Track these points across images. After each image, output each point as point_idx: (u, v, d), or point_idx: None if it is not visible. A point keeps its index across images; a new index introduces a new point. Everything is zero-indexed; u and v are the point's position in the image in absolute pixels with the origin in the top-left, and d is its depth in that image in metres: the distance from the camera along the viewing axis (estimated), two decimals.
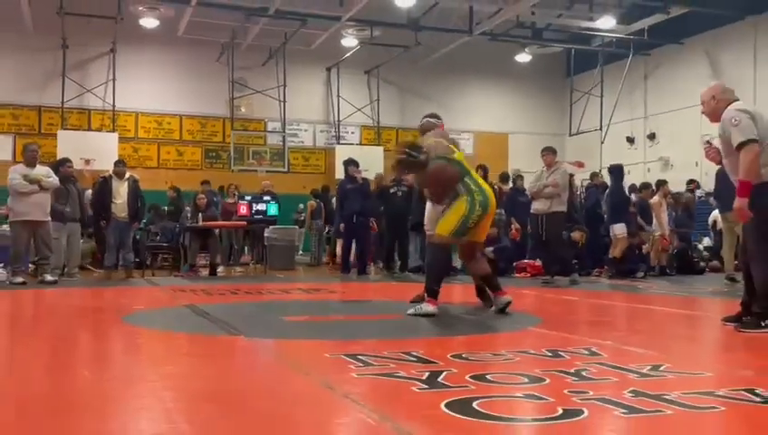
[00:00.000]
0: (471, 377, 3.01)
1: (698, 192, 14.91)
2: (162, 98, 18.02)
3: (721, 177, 7.99)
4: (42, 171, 9.41)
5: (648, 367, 3.28)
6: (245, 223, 12.66)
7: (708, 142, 5.11)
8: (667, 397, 2.66)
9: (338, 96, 19.30)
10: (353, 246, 11.68)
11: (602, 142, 19.04)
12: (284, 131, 18.50)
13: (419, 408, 2.61)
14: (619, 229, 10.85)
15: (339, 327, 5.38)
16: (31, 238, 9.35)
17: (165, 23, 16.84)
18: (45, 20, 16.19)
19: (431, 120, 6.13)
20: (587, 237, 11.45)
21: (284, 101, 18.23)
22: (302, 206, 16.43)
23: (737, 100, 4.83)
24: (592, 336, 4.61)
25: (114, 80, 17.16)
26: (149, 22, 16.74)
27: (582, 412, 2.46)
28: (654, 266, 11.67)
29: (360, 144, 19.58)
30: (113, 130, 17.23)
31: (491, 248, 11.19)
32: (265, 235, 12.83)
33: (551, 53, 20.19)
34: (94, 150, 15.56)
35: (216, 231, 11.84)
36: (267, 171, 17.81)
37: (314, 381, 3.16)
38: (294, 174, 18.65)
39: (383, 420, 2.39)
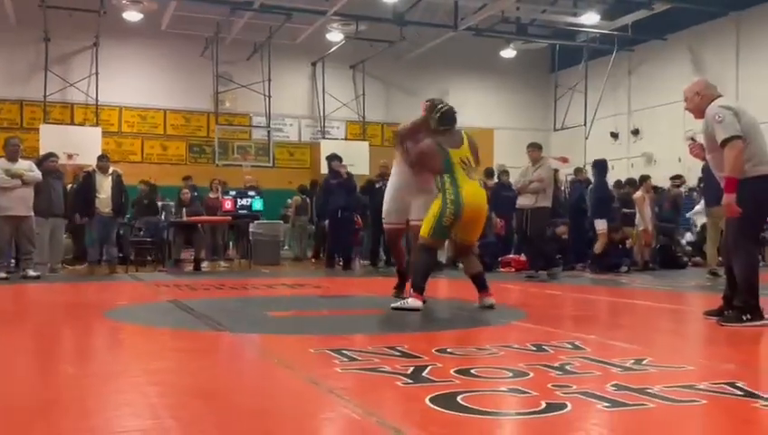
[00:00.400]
0: (455, 371, 3.02)
1: (682, 188, 15.02)
2: (146, 92, 17.89)
3: (707, 172, 8.06)
4: (24, 165, 9.32)
5: (631, 361, 3.31)
6: (230, 218, 12.61)
7: (692, 139, 5.14)
8: (649, 391, 2.69)
9: (323, 91, 19.24)
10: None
11: (586, 138, 19.14)
12: (269, 126, 18.43)
13: (404, 402, 2.61)
14: (599, 225, 10.90)
15: (323, 322, 5.38)
16: (13, 234, 9.27)
17: (148, 16, 16.71)
18: (27, 13, 16.02)
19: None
20: (570, 232, 11.52)
21: (269, 96, 18.16)
22: (290, 201, 16.41)
23: (720, 96, 4.87)
24: (576, 330, 4.64)
25: (97, 74, 17.01)
26: (132, 15, 16.60)
27: (566, 406, 2.48)
28: (637, 261, 11.76)
29: (346, 139, 19.54)
30: (96, 125, 17.09)
31: (476, 243, 11.24)
32: (250, 230, 12.79)
33: (535, 48, 20.24)
34: (77, 145, 15.41)
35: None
36: (252, 166, 17.74)
37: (299, 376, 3.15)
38: (279, 169, 18.59)
39: (367, 415, 2.40)
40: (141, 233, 12.37)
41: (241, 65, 18.25)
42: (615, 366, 3.19)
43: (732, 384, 2.81)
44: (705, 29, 17.07)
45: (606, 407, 2.48)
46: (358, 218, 12.62)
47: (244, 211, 12.67)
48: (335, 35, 18.02)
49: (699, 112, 4.82)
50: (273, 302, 6.83)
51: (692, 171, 15.52)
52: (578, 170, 13.59)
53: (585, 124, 19.20)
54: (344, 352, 3.52)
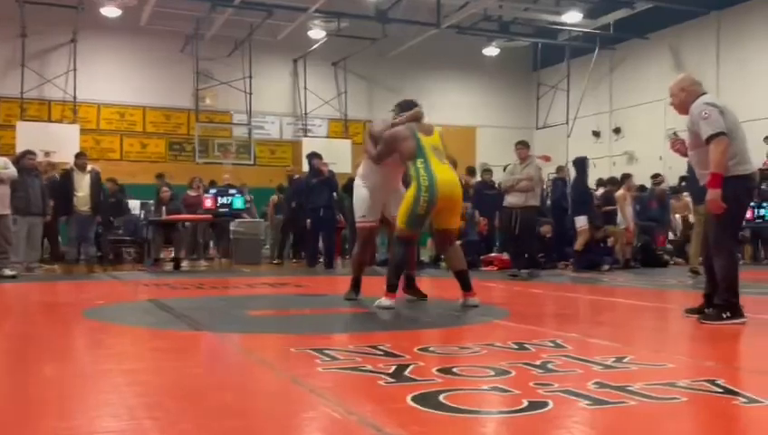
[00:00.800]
0: (437, 370, 3.01)
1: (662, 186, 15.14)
2: (125, 89, 17.73)
3: (693, 170, 8.11)
4: None
5: (612, 359, 3.31)
6: (210, 216, 12.53)
7: (675, 134, 5.16)
8: (630, 388, 2.69)
9: (305, 88, 19.19)
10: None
11: (569, 136, 19.24)
12: (250, 124, 18.35)
13: (385, 401, 2.59)
14: (579, 222, 10.95)
15: (305, 321, 5.35)
16: None
17: (127, 12, 16.55)
18: (3, 8, 15.84)
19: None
20: (553, 230, 11.57)
21: (250, 93, 18.08)
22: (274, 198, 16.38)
23: (705, 93, 4.89)
24: (558, 329, 4.65)
25: (75, 70, 16.84)
26: (111, 11, 16.44)
27: (547, 404, 2.47)
28: (618, 259, 11.82)
29: (328, 137, 19.51)
30: (74, 122, 16.92)
31: (459, 242, 11.25)
32: (231, 228, 12.71)
33: (518, 46, 20.32)
34: (55, 142, 15.24)
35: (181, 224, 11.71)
36: (233, 164, 17.65)
37: (280, 375, 3.13)
38: (261, 167, 18.51)
39: (349, 414, 2.38)
40: (120, 232, 12.26)
41: (221, 62, 18.15)
42: (596, 364, 3.19)
43: (712, 382, 2.82)
44: (687, 28, 17.22)
45: (587, 405, 2.48)
46: (340, 217, 12.60)
47: (225, 210, 12.59)
48: (317, 32, 17.97)
49: (684, 109, 4.83)
50: (253, 301, 6.80)
51: (673, 170, 15.66)
52: (560, 169, 13.66)
53: (567, 123, 19.31)
54: (326, 351, 3.50)
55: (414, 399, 2.52)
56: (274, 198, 15.55)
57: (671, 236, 14.59)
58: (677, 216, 14.33)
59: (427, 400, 2.51)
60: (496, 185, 10.58)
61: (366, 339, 4.00)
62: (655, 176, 14.84)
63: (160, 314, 5.45)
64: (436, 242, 5.99)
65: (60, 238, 12.33)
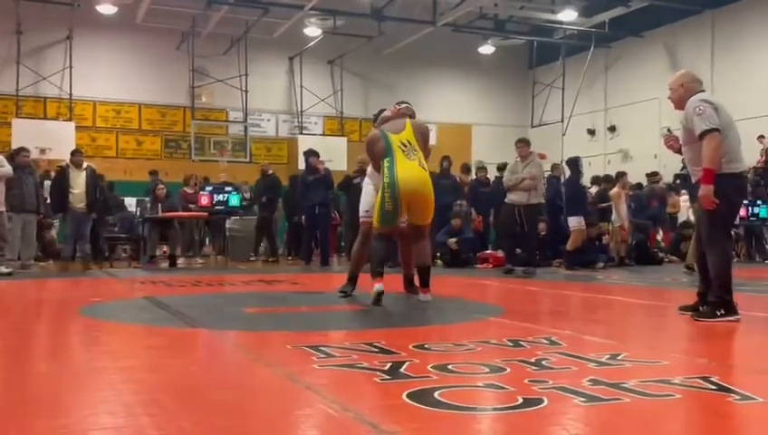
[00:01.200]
0: (433, 367, 3.02)
1: (645, 185, 15.18)
2: (121, 86, 17.70)
3: None
4: None
5: (607, 356, 3.33)
6: (206, 214, 12.51)
7: (668, 131, 5.19)
8: (624, 385, 2.70)
9: (301, 86, 19.17)
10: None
11: (564, 134, 19.26)
12: (246, 121, 18.32)
13: (381, 398, 2.61)
14: (573, 222, 10.98)
15: (301, 319, 5.36)
16: None
17: (123, 9, 16.53)
18: None
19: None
20: (548, 228, 11.60)
21: (246, 91, 18.05)
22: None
23: (704, 91, 4.91)
24: (553, 326, 4.66)
25: (71, 67, 16.81)
26: (107, 8, 16.41)
27: (542, 401, 2.48)
28: (613, 257, 11.86)
29: (324, 135, 19.50)
30: (70, 119, 16.88)
31: (454, 239, 11.28)
32: (227, 226, 12.70)
33: (513, 45, 20.34)
34: (50, 139, 15.22)
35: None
36: (229, 162, 17.64)
37: (276, 372, 3.14)
38: (256, 165, 18.47)
39: (345, 411, 2.39)
40: (116, 229, 12.24)
41: (217, 60, 18.12)
42: (591, 361, 3.21)
43: (706, 379, 2.84)
44: (681, 26, 17.26)
45: (582, 402, 2.49)
46: (336, 215, 12.61)
47: (221, 207, 12.58)
48: (313, 30, 17.96)
49: (680, 104, 4.85)
50: (249, 298, 6.79)
51: (668, 168, 15.71)
52: (554, 167, 13.69)
53: (562, 121, 19.33)
54: (322, 348, 3.51)
55: (409, 396, 2.53)
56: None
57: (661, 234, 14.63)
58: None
59: (423, 396, 2.52)
60: (503, 181, 10.57)
61: (362, 336, 4.01)
62: (653, 174, 14.88)
63: (156, 312, 5.45)
64: (410, 234, 6.11)
65: (55, 235, 12.34)
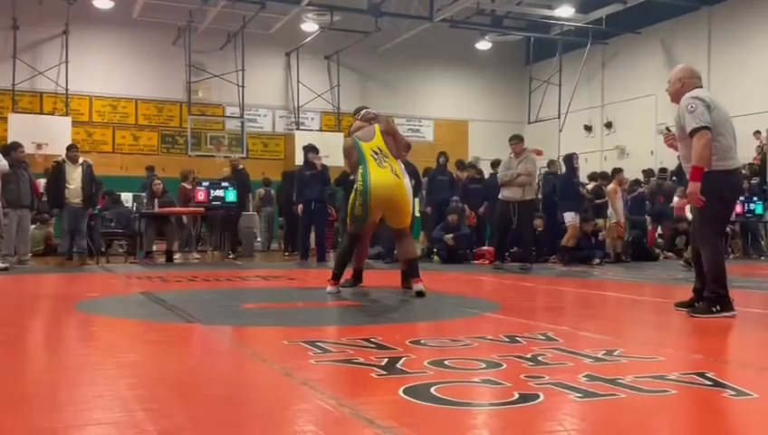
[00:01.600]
0: (429, 363, 3.03)
1: (652, 180, 15.19)
2: (117, 81, 17.66)
3: None
4: None
5: (603, 352, 3.34)
6: (203, 209, 12.49)
7: (667, 129, 5.19)
8: (620, 381, 2.71)
9: (297, 81, 19.15)
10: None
11: (560, 130, 19.27)
12: (243, 117, 18.30)
13: (378, 394, 2.61)
14: (568, 217, 11.02)
15: (297, 314, 5.36)
16: None
17: (119, 4, 16.50)
18: None
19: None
20: (544, 224, 11.62)
21: (243, 86, 18.02)
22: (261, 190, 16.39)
23: (701, 87, 4.90)
24: (549, 322, 4.67)
25: (67, 62, 16.76)
26: (103, 3, 16.38)
27: (538, 397, 2.49)
28: (609, 253, 11.88)
29: (320, 130, 19.48)
30: (66, 114, 16.84)
31: (450, 235, 11.28)
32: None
33: (510, 41, 20.33)
34: (47, 135, 15.20)
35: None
36: (225, 157, 17.61)
37: (272, 368, 3.14)
38: (253, 160, 18.47)
39: (341, 407, 2.39)
40: (112, 224, 12.22)
41: (214, 55, 18.10)
42: (587, 357, 3.22)
43: (701, 375, 2.85)
44: (678, 23, 17.27)
45: (578, 397, 2.50)
46: (332, 211, 12.59)
47: (218, 203, 12.56)
48: (310, 25, 17.93)
49: (677, 98, 4.85)
50: (246, 294, 6.80)
51: (664, 164, 15.73)
52: (551, 163, 13.71)
53: (559, 117, 19.34)
54: (318, 343, 3.51)
55: (406, 391, 2.54)
56: (261, 191, 15.61)
57: (660, 230, 14.63)
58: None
59: (419, 392, 2.52)
60: (497, 177, 10.61)
61: (358, 332, 4.01)
62: (662, 171, 14.91)
63: (153, 307, 5.45)
64: (393, 235, 6.54)
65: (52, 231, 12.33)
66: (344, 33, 18.10)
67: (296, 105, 19.35)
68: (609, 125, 19.31)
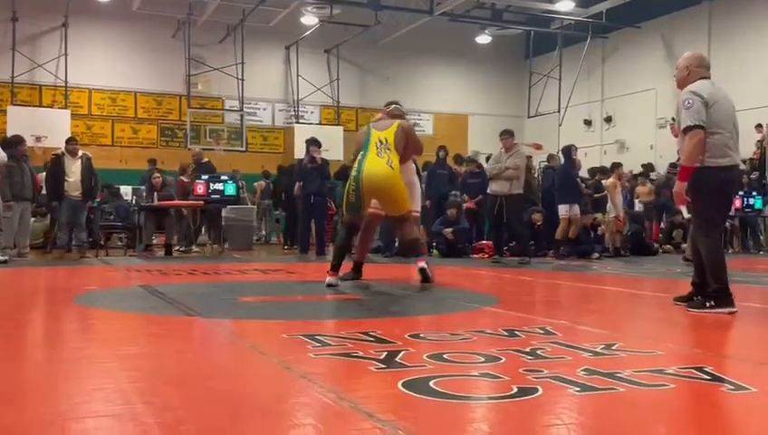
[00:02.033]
0: (428, 356, 3.03)
1: (653, 175, 15.20)
2: (116, 74, 17.63)
3: None
4: None
5: (601, 346, 3.34)
6: (202, 202, 12.48)
7: (673, 119, 5.17)
8: (619, 375, 2.72)
9: (297, 75, 19.12)
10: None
11: (560, 125, 19.25)
12: (242, 110, 18.27)
13: (376, 387, 2.61)
14: (562, 210, 11.02)
15: (296, 308, 5.36)
16: None
17: None
18: None
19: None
20: (544, 218, 11.62)
21: (242, 79, 18.00)
22: (255, 185, 16.42)
23: (707, 78, 4.84)
24: (548, 316, 4.68)
25: (66, 55, 16.73)
26: None
27: (537, 390, 2.49)
28: (608, 248, 11.89)
29: (320, 124, 19.46)
30: (65, 107, 16.83)
31: (450, 229, 11.28)
32: (223, 214, 12.66)
33: (510, 34, 20.28)
34: (46, 127, 15.18)
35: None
36: (225, 150, 17.60)
37: (271, 361, 3.14)
38: (252, 153, 18.47)
39: (340, 400, 2.39)
40: (112, 217, 12.21)
41: (214, 48, 18.06)
42: (585, 351, 3.22)
43: (700, 369, 2.85)
44: (679, 17, 17.24)
45: (576, 391, 2.50)
46: (332, 204, 12.59)
47: (217, 196, 12.55)
48: (309, 19, 17.89)
49: (683, 86, 4.81)
50: (245, 287, 6.80)
51: (663, 158, 15.74)
52: (551, 157, 13.70)
53: (559, 111, 19.32)
54: (317, 337, 3.51)
55: (405, 384, 2.54)
56: (261, 184, 15.60)
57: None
58: (638, 201, 14.38)
59: (418, 385, 2.53)
60: (486, 170, 10.64)
61: (357, 325, 4.01)
62: (673, 165, 14.90)
63: (152, 300, 5.45)
64: (393, 222, 6.75)
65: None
66: (344, 27, 18.06)
67: (296, 99, 19.32)
68: (608, 119, 19.29)
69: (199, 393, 2.56)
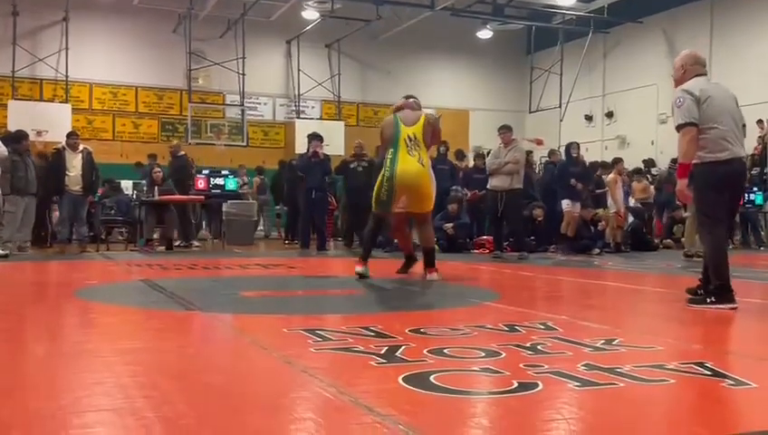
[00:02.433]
0: (429, 351, 3.03)
1: (654, 170, 15.17)
2: (117, 68, 17.60)
3: None
4: None
5: (602, 341, 3.34)
6: (203, 197, 12.49)
7: None
8: (619, 370, 2.72)
9: (298, 70, 19.08)
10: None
11: (561, 120, 19.22)
12: (243, 105, 18.25)
13: (377, 382, 2.61)
14: (563, 205, 11.04)
15: (297, 302, 5.37)
16: None
17: None
18: None
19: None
20: (545, 214, 11.62)
21: (243, 74, 17.95)
22: (256, 179, 16.40)
23: (703, 75, 4.84)
24: (548, 311, 4.68)
25: (67, 49, 16.70)
26: None
27: (537, 386, 2.50)
28: (609, 243, 11.89)
29: (321, 119, 19.43)
30: (66, 101, 16.79)
31: (450, 224, 11.28)
32: (223, 209, 12.67)
33: (512, 29, 20.23)
34: (46, 122, 15.15)
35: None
36: (225, 145, 17.58)
37: (272, 355, 3.14)
38: (253, 148, 18.44)
39: (341, 394, 2.40)
40: (112, 212, 12.22)
41: (214, 42, 18.02)
42: (586, 346, 3.22)
43: (700, 364, 2.85)
44: (680, 12, 17.19)
45: (577, 386, 2.50)
46: (332, 199, 12.59)
47: (218, 191, 12.55)
48: (310, 13, 17.84)
49: (679, 85, 4.84)
50: (246, 282, 6.80)
51: (664, 154, 15.71)
52: (552, 152, 13.69)
53: (560, 106, 19.27)
54: (318, 331, 3.51)
55: (405, 379, 2.54)
56: (257, 179, 15.60)
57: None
58: (632, 199, 14.34)
59: (418, 380, 2.53)
60: (485, 165, 10.64)
61: (358, 320, 4.02)
62: (674, 161, 14.87)
63: (153, 295, 5.46)
64: (415, 221, 7.02)
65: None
66: (345, 21, 18.01)
67: (297, 93, 19.29)
68: (609, 115, 19.26)
69: (200, 388, 2.56)
